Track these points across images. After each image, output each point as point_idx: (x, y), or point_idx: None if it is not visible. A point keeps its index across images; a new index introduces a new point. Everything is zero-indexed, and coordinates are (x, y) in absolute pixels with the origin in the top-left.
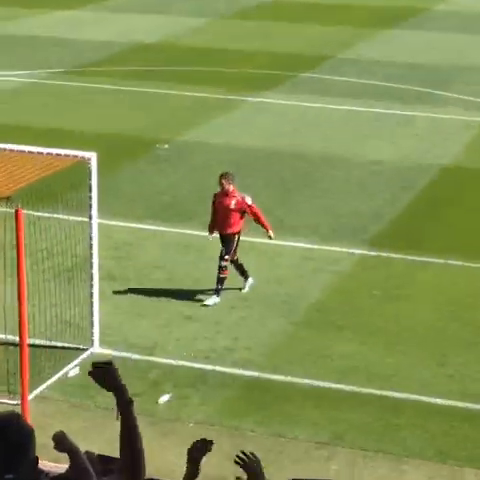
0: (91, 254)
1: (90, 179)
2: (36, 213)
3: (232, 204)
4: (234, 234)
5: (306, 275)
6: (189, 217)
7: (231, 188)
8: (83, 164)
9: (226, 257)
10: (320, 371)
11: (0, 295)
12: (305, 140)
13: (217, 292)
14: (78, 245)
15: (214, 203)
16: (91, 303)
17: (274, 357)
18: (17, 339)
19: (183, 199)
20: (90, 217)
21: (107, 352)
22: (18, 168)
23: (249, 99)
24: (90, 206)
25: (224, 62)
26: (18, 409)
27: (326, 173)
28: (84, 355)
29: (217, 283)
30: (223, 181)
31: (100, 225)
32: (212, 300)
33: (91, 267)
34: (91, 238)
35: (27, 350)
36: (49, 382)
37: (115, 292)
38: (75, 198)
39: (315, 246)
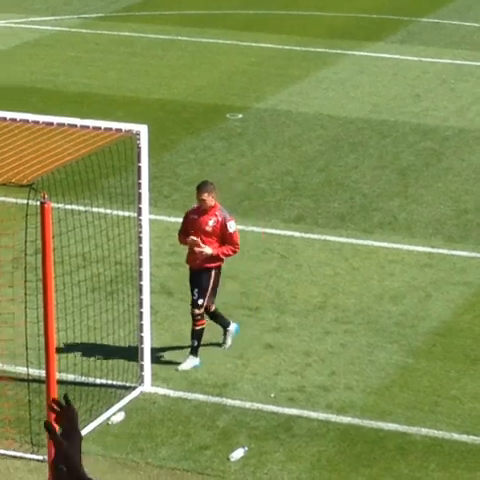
0: (140, 260)
1: (139, 160)
2: (67, 206)
3: (209, 224)
4: (210, 269)
5: (426, 288)
6: (270, 211)
7: (211, 202)
8: (129, 140)
9: (199, 302)
10: (446, 418)
11: (20, 317)
12: (428, 107)
13: (195, 351)
14: (123, 249)
15: (184, 222)
16: (140, 326)
17: (384, 399)
18: (43, 374)
19: (262, 187)
20: (139, 211)
21: (162, 392)
22: (43, 146)
23: (351, 53)
24: (139, 196)
25: (317, 4)
26: (43, 467)
27: (455, 153)
28: (131, 396)
29: (193, 338)
30: (204, 195)
31: (152, 222)
32: (189, 363)
33: (140, 278)
34: (140, 239)
35: (55, 389)
36: (85, 432)
37: (171, 310)
38: (119, 186)
39: (438, 250)
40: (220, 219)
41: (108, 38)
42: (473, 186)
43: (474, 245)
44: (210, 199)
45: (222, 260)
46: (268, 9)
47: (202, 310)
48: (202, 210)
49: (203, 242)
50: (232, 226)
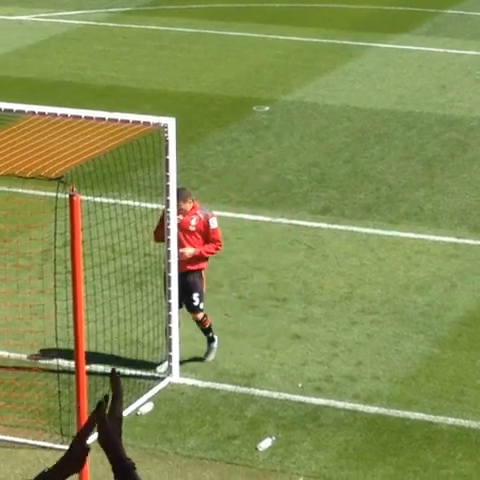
0: (168, 252)
1: (167, 153)
2: (96, 199)
3: (192, 223)
4: (201, 271)
5: (453, 278)
6: (296, 203)
7: (189, 207)
8: (157, 133)
9: (201, 306)
10: (472, 407)
11: (49, 309)
12: (453, 99)
13: (212, 339)
14: (152, 241)
15: (163, 221)
16: (169, 317)
17: (410, 388)
18: (72, 365)
19: (289, 179)
20: (167, 204)
21: (190, 382)
22: (72, 139)
23: (376, 45)
24: (167, 189)
25: None
26: None
27: None
28: (160, 386)
29: (206, 334)
30: (180, 204)
31: None
32: (212, 352)
33: (169, 269)
34: (168, 231)
35: (85, 380)
36: None
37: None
38: (147, 178)
39: (464, 240)
40: (202, 217)
41: (136, 32)
42: None
43: None
44: (187, 205)
45: (207, 260)
46: (293, 2)
47: (203, 311)
48: (184, 214)
49: (188, 242)
50: (214, 222)
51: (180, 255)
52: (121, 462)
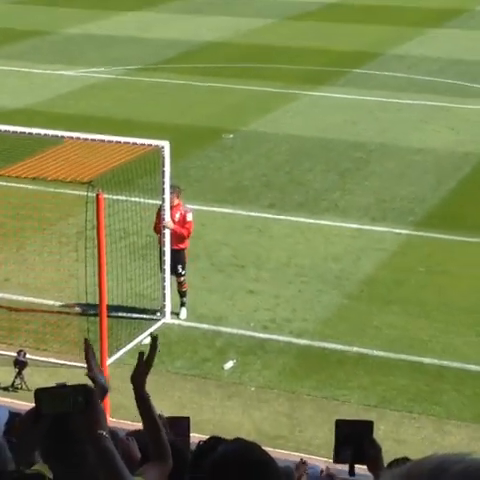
0: (163, 233)
1: (163, 166)
2: (114, 197)
3: (176, 216)
4: (182, 250)
5: (357, 253)
6: (251, 201)
7: (176, 201)
8: (156, 152)
9: (183, 272)
10: (369, 340)
11: (82, 271)
12: (358, 130)
13: (184, 304)
14: (152, 225)
15: (158, 216)
16: (163, 278)
17: (328, 327)
18: (97, 311)
19: (246, 184)
20: (163, 200)
21: (177, 322)
22: (98, 156)
23: (306, 93)
24: (163, 190)
25: (283, 59)
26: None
27: (377, 160)
28: (157, 325)
29: (181, 297)
30: (170, 194)
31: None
32: (184, 313)
33: (163, 245)
34: (164, 219)
35: (106, 320)
36: (125, 350)
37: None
38: (149, 183)
39: (365, 227)
40: (183, 212)
41: (145, 83)
42: (388, 183)
43: (388, 223)
44: (173, 196)
45: (187, 243)
46: (252, 63)
47: (185, 277)
48: (170, 207)
49: (175, 232)
50: (190, 216)
51: (166, 224)
52: (142, 394)
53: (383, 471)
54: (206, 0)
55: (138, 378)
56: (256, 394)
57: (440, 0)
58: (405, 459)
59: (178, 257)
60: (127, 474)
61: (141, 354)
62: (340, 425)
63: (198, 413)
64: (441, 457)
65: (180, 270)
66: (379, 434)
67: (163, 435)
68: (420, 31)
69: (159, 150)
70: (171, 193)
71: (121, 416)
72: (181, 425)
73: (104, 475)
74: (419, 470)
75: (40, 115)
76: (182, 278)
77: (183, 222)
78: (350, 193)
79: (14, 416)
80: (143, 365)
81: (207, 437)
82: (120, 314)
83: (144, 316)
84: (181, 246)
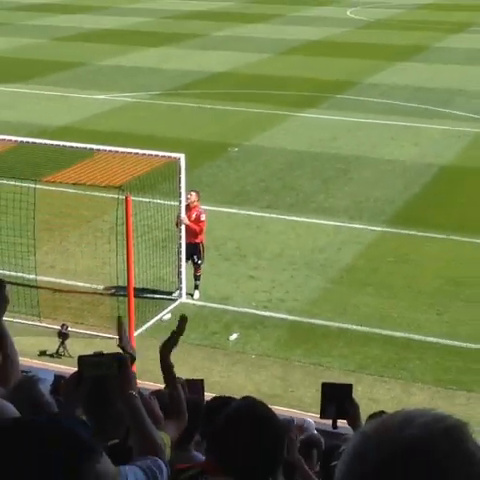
0: (180, 229)
1: (179, 174)
2: (140, 199)
3: (193, 216)
4: (197, 243)
5: (339, 245)
6: (251, 202)
7: (194, 203)
8: (174, 162)
9: (199, 262)
10: (349, 317)
11: (113, 259)
12: (340, 145)
13: (197, 287)
14: (170, 222)
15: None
16: (179, 265)
17: (314, 306)
18: (125, 292)
19: (248, 188)
20: (180, 202)
21: (192, 302)
22: (125, 165)
23: (296, 114)
24: (180, 194)
25: (277, 87)
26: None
27: (355, 169)
28: (174, 304)
29: (195, 280)
30: (188, 195)
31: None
32: (197, 294)
33: (180, 238)
34: (180, 217)
35: (133, 300)
36: (148, 324)
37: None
38: (168, 188)
39: (345, 224)
40: (198, 213)
41: (165, 105)
42: (364, 188)
43: (364, 221)
44: (192, 197)
45: (203, 237)
46: (252, 89)
47: (200, 265)
48: (188, 208)
49: (190, 228)
50: (203, 217)
51: (183, 220)
52: (167, 362)
53: (362, 423)
54: (215, 38)
55: (166, 349)
56: (256, 361)
57: (407, 39)
58: (382, 412)
59: (194, 249)
60: (153, 428)
61: (173, 332)
62: (325, 387)
63: (208, 376)
64: (408, 411)
65: (196, 260)
66: (357, 394)
67: (182, 396)
68: (391, 64)
69: (176, 161)
70: (196, 194)
71: (145, 379)
72: (196, 386)
73: (134, 428)
74: (391, 422)
75: (77, 132)
76: (197, 266)
77: (197, 221)
78: (333, 196)
79: (58, 378)
80: (172, 340)
81: (213, 396)
82: (144, 295)
83: (164, 297)
84: (196, 240)
